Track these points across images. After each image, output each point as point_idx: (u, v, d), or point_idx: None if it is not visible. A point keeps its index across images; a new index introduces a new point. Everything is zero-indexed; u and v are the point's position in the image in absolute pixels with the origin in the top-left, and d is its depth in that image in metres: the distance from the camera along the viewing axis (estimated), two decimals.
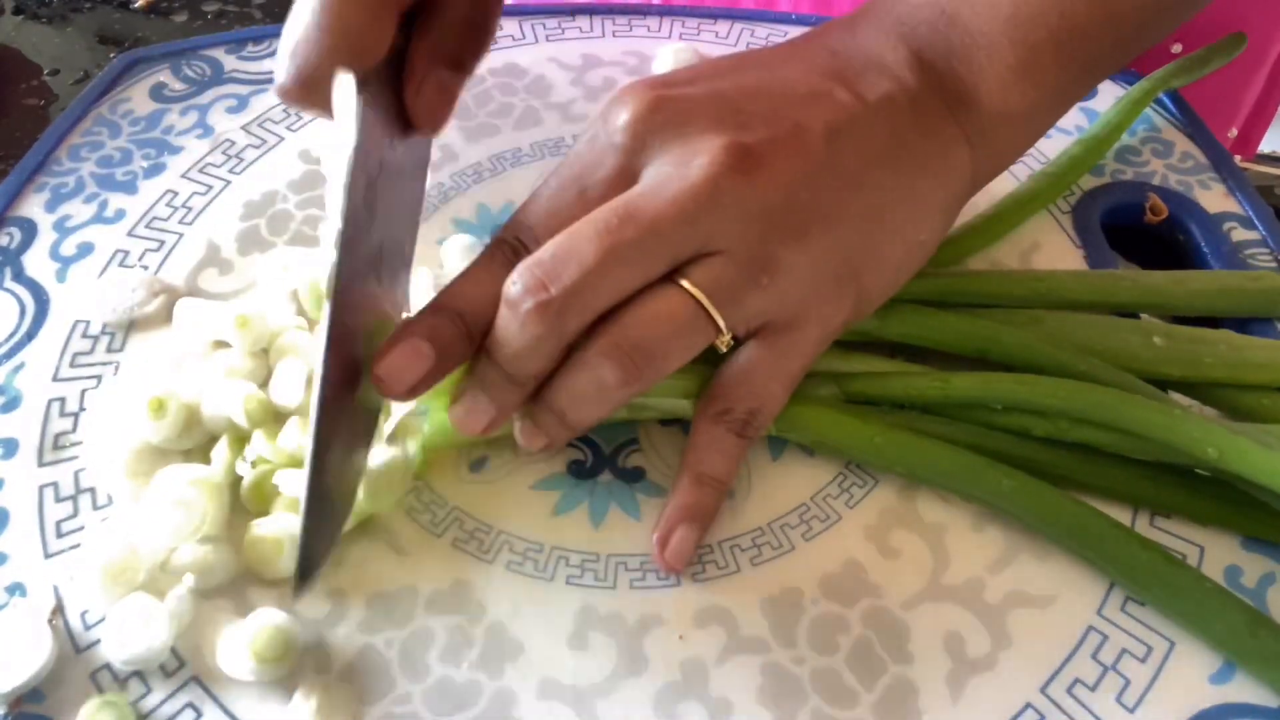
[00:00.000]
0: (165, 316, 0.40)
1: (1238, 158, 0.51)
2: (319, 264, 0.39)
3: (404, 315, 0.34)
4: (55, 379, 0.38)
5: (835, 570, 0.33)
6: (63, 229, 0.43)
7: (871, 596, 0.32)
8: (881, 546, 0.34)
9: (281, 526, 0.32)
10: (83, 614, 0.32)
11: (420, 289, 0.38)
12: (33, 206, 0.44)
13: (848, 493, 0.35)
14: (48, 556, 0.33)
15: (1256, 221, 0.44)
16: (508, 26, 0.53)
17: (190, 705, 0.30)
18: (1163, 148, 0.47)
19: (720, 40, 0.53)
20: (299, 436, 0.33)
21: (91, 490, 0.35)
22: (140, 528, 0.32)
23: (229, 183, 0.45)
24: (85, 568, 0.31)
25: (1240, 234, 0.43)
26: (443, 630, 0.32)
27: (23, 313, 0.40)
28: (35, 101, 0.83)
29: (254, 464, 0.34)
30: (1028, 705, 0.30)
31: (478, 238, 0.42)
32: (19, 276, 0.41)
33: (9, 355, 0.38)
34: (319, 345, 0.28)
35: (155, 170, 0.46)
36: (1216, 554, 0.34)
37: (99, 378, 0.38)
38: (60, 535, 0.33)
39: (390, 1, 0.32)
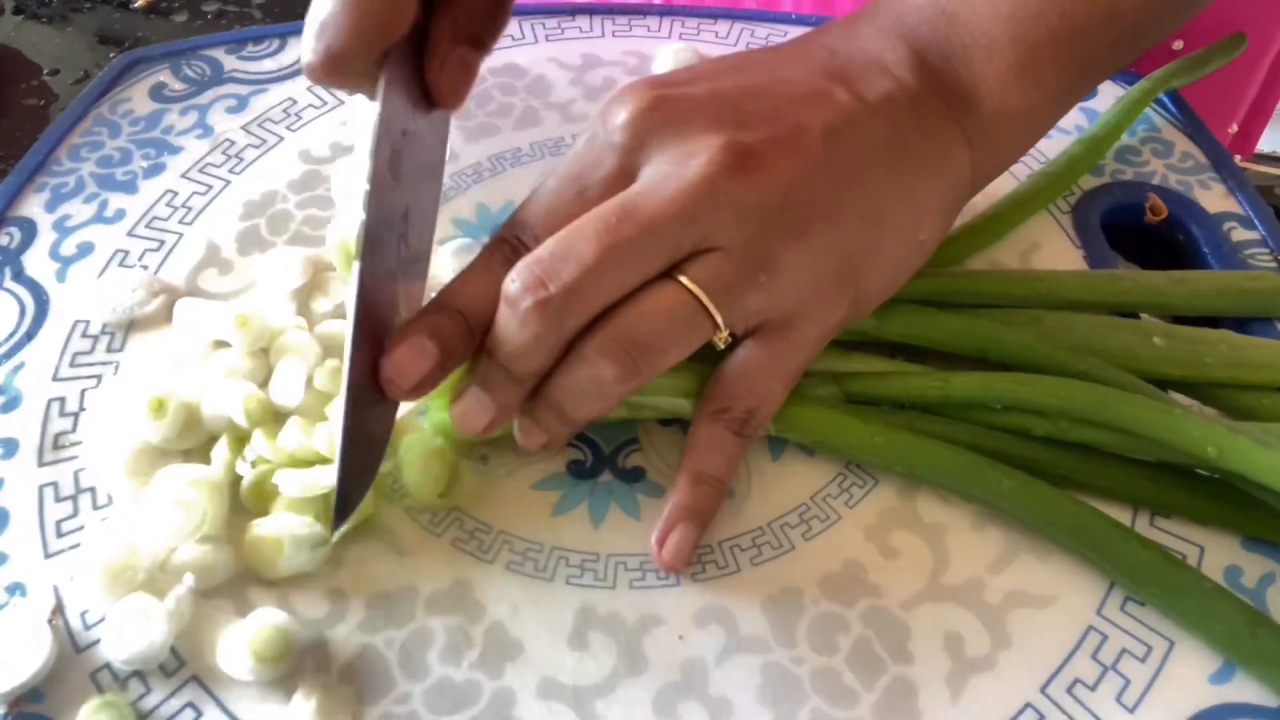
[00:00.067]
0: (165, 316, 0.40)
1: (1237, 157, 0.51)
2: (349, 224, 0.40)
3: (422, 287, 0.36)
4: (55, 379, 0.38)
5: (835, 570, 0.33)
6: (63, 229, 0.43)
7: (871, 596, 0.32)
8: (881, 546, 0.34)
9: (281, 526, 0.32)
10: (83, 614, 0.32)
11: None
12: (33, 206, 0.44)
13: (847, 493, 0.35)
14: (48, 556, 0.33)
15: (1256, 221, 0.44)
16: (508, 26, 0.53)
17: (190, 705, 0.30)
18: (1163, 148, 0.47)
19: (720, 40, 0.53)
20: (299, 436, 0.34)
21: (91, 490, 0.35)
22: (140, 528, 0.32)
23: (229, 183, 0.45)
24: (85, 567, 0.31)
25: (1240, 234, 0.43)
26: (442, 630, 0.32)
27: (23, 313, 0.40)
28: (35, 101, 0.83)
29: (254, 464, 0.34)
30: (1027, 705, 0.30)
31: (476, 238, 0.42)
32: (19, 276, 0.41)
33: (9, 355, 0.38)
34: (350, 296, 0.30)
35: (155, 170, 0.46)
36: (1216, 554, 0.34)
37: (99, 378, 0.38)
38: (60, 535, 0.33)
39: None
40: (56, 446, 0.36)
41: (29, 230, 0.43)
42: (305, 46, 0.33)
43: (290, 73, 0.51)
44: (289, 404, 0.35)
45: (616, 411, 0.34)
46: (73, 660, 0.31)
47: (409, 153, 0.33)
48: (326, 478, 0.32)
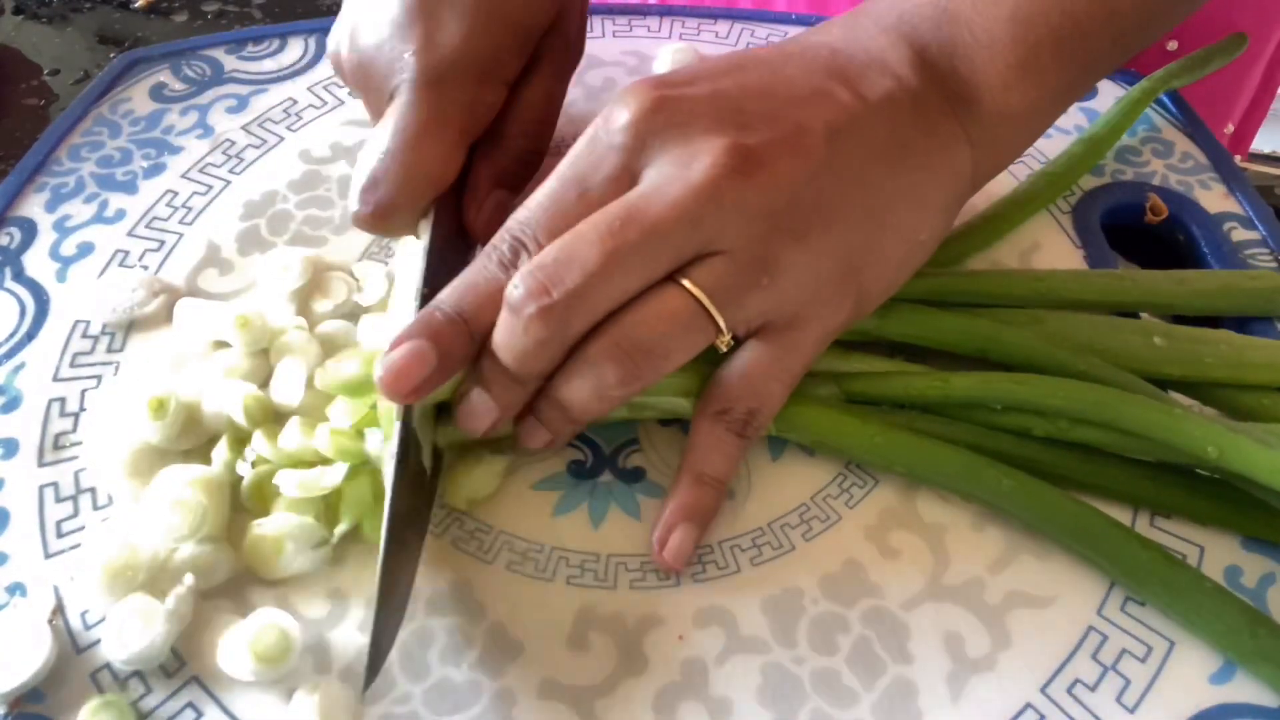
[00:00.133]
0: (165, 316, 0.40)
1: (1237, 157, 0.51)
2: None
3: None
4: (55, 379, 0.38)
5: (835, 570, 0.33)
6: (63, 229, 0.43)
7: (871, 596, 0.32)
8: (881, 547, 0.34)
9: (282, 526, 0.32)
10: (83, 614, 0.32)
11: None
12: (33, 206, 0.44)
13: (847, 493, 0.35)
14: (48, 556, 0.33)
15: (1256, 221, 0.44)
16: None
17: (190, 705, 0.30)
18: (1163, 148, 0.47)
19: (720, 40, 0.53)
20: (300, 436, 0.34)
21: (92, 490, 0.35)
22: (140, 528, 0.32)
23: (229, 183, 0.45)
24: (85, 568, 0.31)
25: (1240, 234, 0.43)
26: (443, 630, 0.32)
27: (23, 313, 0.40)
28: (35, 101, 0.83)
29: (254, 464, 0.34)
30: (1027, 705, 0.30)
31: None
32: (19, 276, 0.41)
33: (9, 355, 0.38)
34: (393, 439, 0.31)
35: (155, 170, 0.46)
36: (1216, 554, 0.34)
37: (99, 378, 0.38)
38: (60, 535, 0.33)
39: (462, 138, 0.37)
40: (57, 446, 0.36)
41: (29, 230, 0.43)
42: (354, 196, 0.36)
43: (291, 73, 0.51)
44: (289, 404, 0.35)
45: (617, 411, 0.34)
46: (73, 660, 0.31)
47: (447, 279, 0.34)
48: (328, 479, 0.32)
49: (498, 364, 0.31)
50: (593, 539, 0.34)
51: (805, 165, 0.31)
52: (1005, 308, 0.38)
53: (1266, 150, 1.25)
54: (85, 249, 0.42)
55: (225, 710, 0.30)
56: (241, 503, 0.34)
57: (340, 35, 0.39)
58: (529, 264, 0.30)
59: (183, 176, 0.45)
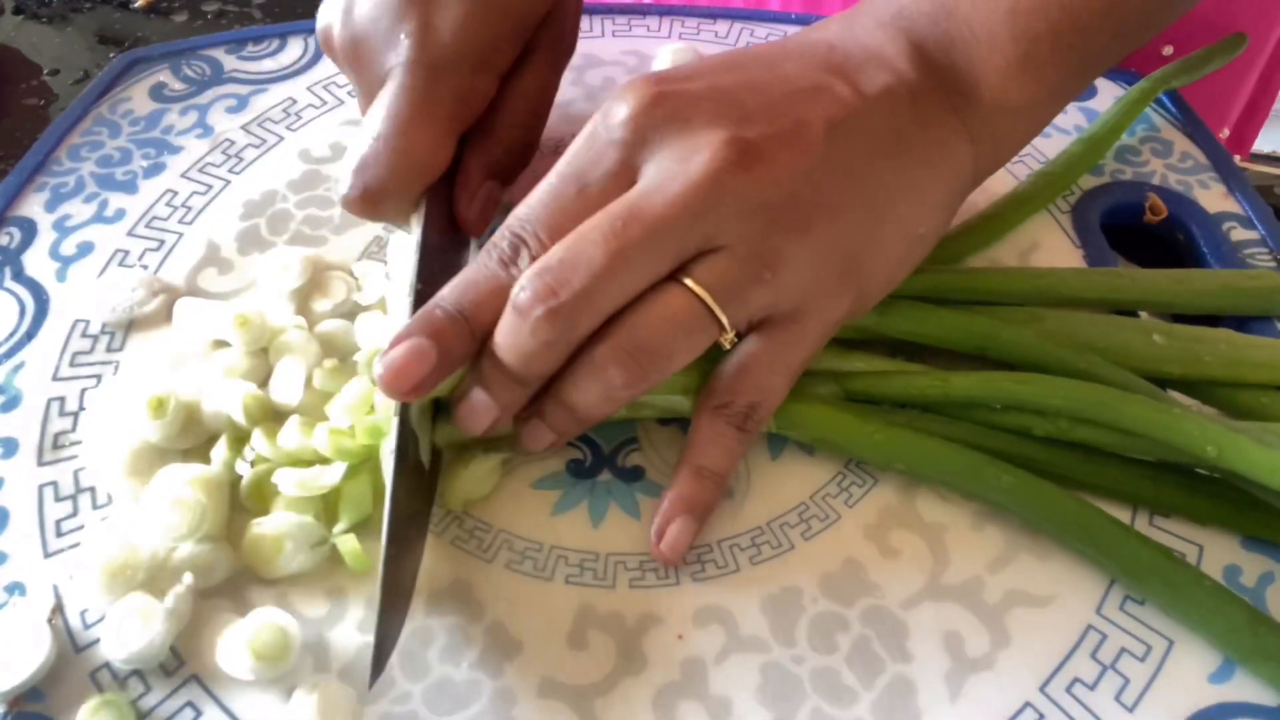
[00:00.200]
0: (165, 316, 0.40)
1: (1236, 157, 0.52)
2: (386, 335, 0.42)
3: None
4: (55, 378, 0.38)
5: (835, 569, 0.33)
6: (63, 229, 0.43)
7: (871, 596, 0.32)
8: (881, 546, 0.34)
9: (281, 526, 0.32)
10: (82, 613, 0.32)
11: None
12: (33, 206, 0.44)
13: (847, 492, 0.35)
14: (47, 556, 0.33)
15: (1256, 221, 0.44)
16: None
17: (190, 704, 0.30)
18: (1162, 147, 0.48)
19: (719, 40, 0.53)
20: (299, 436, 0.34)
21: (91, 489, 0.35)
22: (140, 527, 0.32)
23: (229, 182, 0.45)
24: (85, 567, 0.31)
25: (1239, 234, 0.43)
26: (442, 629, 0.32)
27: (23, 312, 0.40)
28: (35, 101, 0.83)
29: (253, 463, 0.34)
30: (1027, 704, 0.30)
31: None
32: (19, 276, 0.41)
33: (9, 355, 0.38)
34: (392, 431, 0.31)
35: (155, 170, 0.46)
36: (1216, 553, 0.34)
37: (99, 377, 0.38)
38: (60, 534, 0.33)
39: (454, 127, 0.37)
40: (56, 446, 0.36)
41: (29, 230, 0.43)
42: (343, 179, 0.36)
43: (290, 73, 0.51)
44: (289, 403, 0.35)
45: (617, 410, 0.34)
46: (72, 659, 0.31)
47: (441, 273, 0.34)
48: (327, 478, 0.32)
49: (499, 364, 0.31)
50: (592, 538, 0.34)
51: (804, 159, 0.31)
52: (1005, 305, 0.38)
53: (1266, 150, 1.25)
54: (85, 249, 0.42)
55: (224, 709, 0.30)
56: (241, 502, 0.34)
57: (332, 11, 0.39)
58: (534, 266, 0.30)
59: (182, 176, 0.45)
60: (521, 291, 0.30)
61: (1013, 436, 0.35)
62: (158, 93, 0.49)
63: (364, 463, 0.33)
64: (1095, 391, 0.33)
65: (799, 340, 0.33)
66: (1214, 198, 0.45)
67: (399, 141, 0.35)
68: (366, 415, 0.34)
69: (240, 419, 0.34)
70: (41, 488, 0.35)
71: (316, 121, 0.48)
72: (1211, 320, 0.39)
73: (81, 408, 0.37)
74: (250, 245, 0.43)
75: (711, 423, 0.33)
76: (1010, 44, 0.35)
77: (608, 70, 0.51)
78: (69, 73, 0.86)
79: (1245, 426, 0.32)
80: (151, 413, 0.34)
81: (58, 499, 0.34)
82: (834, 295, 0.33)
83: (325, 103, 0.49)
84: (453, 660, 0.31)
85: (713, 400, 0.33)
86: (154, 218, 0.44)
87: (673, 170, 0.31)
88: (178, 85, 0.50)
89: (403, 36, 0.37)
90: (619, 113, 0.32)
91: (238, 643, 0.30)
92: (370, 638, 0.29)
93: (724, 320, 0.31)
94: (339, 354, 0.37)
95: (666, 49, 0.50)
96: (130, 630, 0.30)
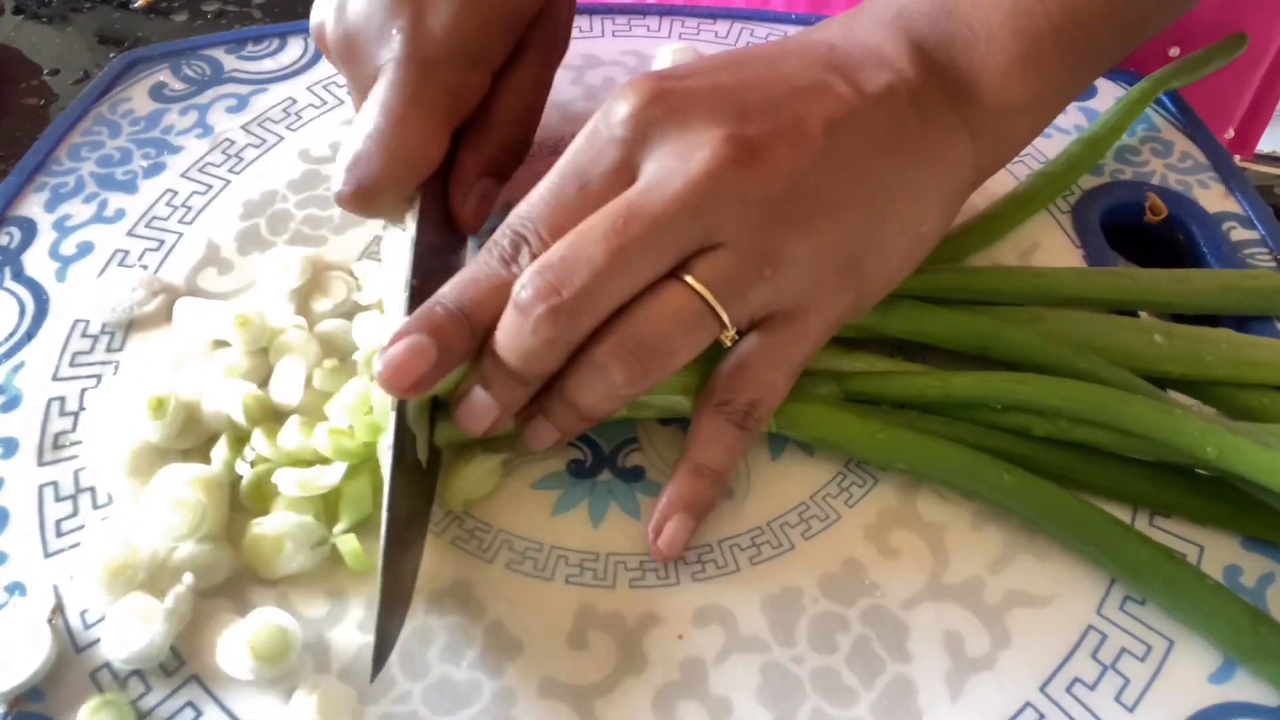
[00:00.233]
0: (165, 316, 0.40)
1: (1237, 158, 0.51)
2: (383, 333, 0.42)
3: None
4: (55, 378, 0.38)
5: (835, 569, 0.33)
6: (63, 228, 0.43)
7: (871, 596, 0.32)
8: (881, 546, 0.34)
9: (281, 526, 0.32)
10: (82, 613, 0.32)
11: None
12: (33, 206, 0.44)
13: (847, 492, 0.35)
14: (47, 556, 0.33)
15: (1256, 221, 0.44)
16: None
17: (190, 704, 0.30)
18: (1162, 147, 0.48)
19: (719, 40, 0.53)
20: (299, 435, 0.34)
21: (91, 489, 0.35)
22: (140, 527, 0.32)
23: (229, 182, 0.45)
24: (85, 567, 0.31)
25: (1239, 234, 0.43)
26: (442, 629, 0.32)
27: (22, 312, 0.40)
28: (35, 101, 0.83)
29: (253, 463, 0.34)
30: (1027, 704, 0.30)
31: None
32: (19, 276, 0.41)
33: (9, 355, 0.38)
34: (390, 425, 0.31)
35: (155, 170, 0.46)
36: (1216, 553, 0.34)
37: (99, 377, 0.38)
38: (60, 535, 0.33)
39: (447, 122, 0.37)
40: (56, 446, 0.36)
41: (29, 230, 0.43)
42: (337, 174, 0.36)
43: (290, 72, 0.51)
44: (289, 403, 0.35)
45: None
46: (72, 660, 0.31)
47: (437, 271, 0.34)
48: (327, 478, 0.32)
49: (500, 363, 0.31)
50: (592, 538, 0.34)
51: (804, 155, 0.31)
52: (1005, 305, 0.38)
53: (1266, 150, 1.25)
54: (85, 248, 0.42)
55: (225, 709, 0.30)
56: (241, 502, 0.34)
57: (325, 8, 0.39)
58: (535, 264, 0.30)
59: (182, 176, 0.45)
60: (523, 290, 0.30)
61: (1013, 436, 0.35)
62: (158, 93, 0.49)
63: (364, 463, 0.33)
64: (1095, 391, 0.33)
65: (800, 338, 0.33)
66: (1214, 198, 0.45)
67: (392, 137, 0.35)
68: (366, 415, 0.34)
69: (240, 419, 0.34)
70: (42, 488, 0.35)
71: (316, 121, 0.48)
72: (1211, 320, 0.39)
73: (81, 408, 0.37)
74: (250, 245, 0.43)
75: (712, 420, 0.33)
76: (1011, 43, 0.35)
77: (608, 70, 0.51)
78: (69, 73, 0.86)
79: (1245, 427, 0.32)
80: (151, 413, 0.34)
81: (58, 499, 0.34)
82: (834, 293, 0.33)
83: (325, 102, 0.49)
84: (453, 660, 0.31)
85: (713, 398, 0.33)
86: (154, 218, 0.44)
87: (673, 168, 0.31)
88: (178, 85, 0.50)
89: (395, 32, 0.37)
90: (620, 111, 0.32)
91: (238, 643, 0.30)
92: (370, 638, 0.29)
93: (725, 317, 0.31)
94: (339, 354, 0.37)
95: (666, 49, 0.50)
96: (130, 630, 0.30)
